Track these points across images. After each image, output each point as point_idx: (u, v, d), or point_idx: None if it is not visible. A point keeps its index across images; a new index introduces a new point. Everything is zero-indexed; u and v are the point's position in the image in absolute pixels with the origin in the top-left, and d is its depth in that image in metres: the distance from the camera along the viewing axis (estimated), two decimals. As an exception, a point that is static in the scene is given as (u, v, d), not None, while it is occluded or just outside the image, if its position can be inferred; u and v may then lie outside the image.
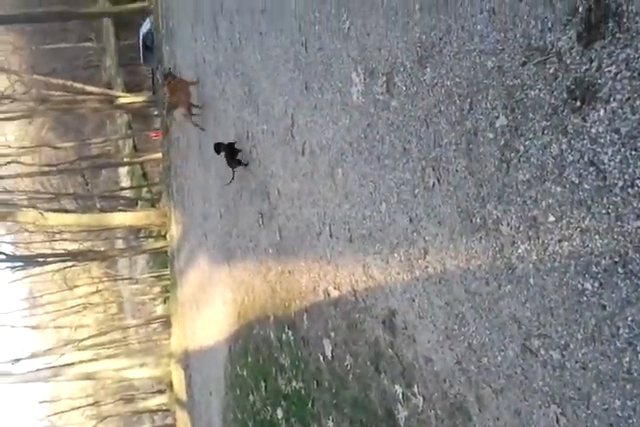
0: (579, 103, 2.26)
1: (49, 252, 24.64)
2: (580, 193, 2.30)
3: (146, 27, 21.36)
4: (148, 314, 38.36)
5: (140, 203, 33.87)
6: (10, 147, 24.77)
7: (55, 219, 18.61)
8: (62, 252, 24.68)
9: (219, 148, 8.68)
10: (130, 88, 33.63)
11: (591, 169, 2.23)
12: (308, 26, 5.24)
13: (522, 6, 2.56)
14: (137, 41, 22.72)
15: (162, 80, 13.26)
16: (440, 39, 3.24)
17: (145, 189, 35.90)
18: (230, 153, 8.51)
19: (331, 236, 5.46)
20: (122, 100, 22.25)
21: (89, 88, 21.26)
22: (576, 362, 2.47)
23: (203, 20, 10.25)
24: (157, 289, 35.20)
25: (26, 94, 20.76)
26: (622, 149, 2.07)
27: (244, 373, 10.26)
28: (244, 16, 7.38)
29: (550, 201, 2.49)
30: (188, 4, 11.91)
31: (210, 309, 13.50)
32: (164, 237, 23.87)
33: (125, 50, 33.74)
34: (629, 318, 2.12)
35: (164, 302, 33.37)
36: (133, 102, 22.45)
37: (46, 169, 23.93)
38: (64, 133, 33.50)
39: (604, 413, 2.35)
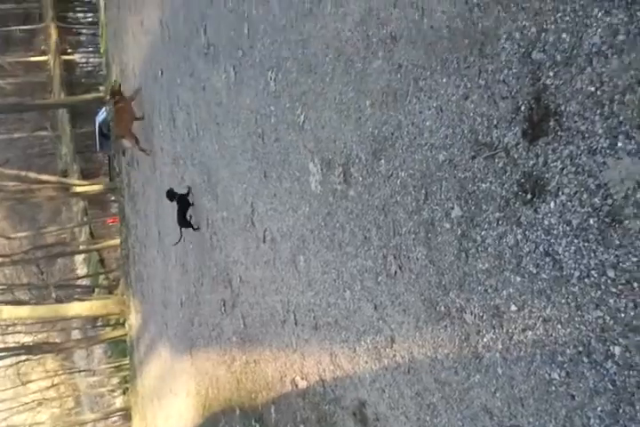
0: (529, 196, 2.35)
1: (0, 346, 23.61)
2: (539, 283, 2.35)
3: (102, 115, 21.69)
4: (107, 407, 36.70)
5: (97, 290, 33.15)
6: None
7: (9, 312, 17.99)
8: (15, 345, 23.69)
9: (172, 196, 8.68)
10: (86, 175, 33.68)
11: (547, 259, 2.29)
12: (264, 118, 5.40)
13: (467, 104, 2.70)
14: (93, 128, 22.98)
15: (109, 97, 13.34)
16: (392, 133, 3.37)
17: (102, 277, 35.24)
18: (182, 207, 8.55)
19: (296, 323, 5.40)
20: (78, 189, 22.17)
21: (44, 177, 21.17)
22: (551, 455, 2.44)
23: (160, 110, 10.46)
24: (116, 380, 33.90)
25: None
26: (575, 241, 2.14)
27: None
28: (201, 108, 7.57)
29: (511, 290, 2.53)
30: (144, 97, 12.17)
31: (173, 401, 13.00)
32: (123, 324, 23.25)
33: (81, 137, 34.03)
34: (599, 409, 2.12)
35: (124, 393, 32.09)
36: (90, 191, 22.38)
37: (-1, 260, 23.37)
38: (18, 222, 33.00)
39: None
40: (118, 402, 35.65)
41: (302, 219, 4.91)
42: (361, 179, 3.82)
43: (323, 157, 4.34)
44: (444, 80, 2.85)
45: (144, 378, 18.64)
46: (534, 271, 2.37)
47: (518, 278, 2.48)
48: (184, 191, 8.71)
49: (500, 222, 2.55)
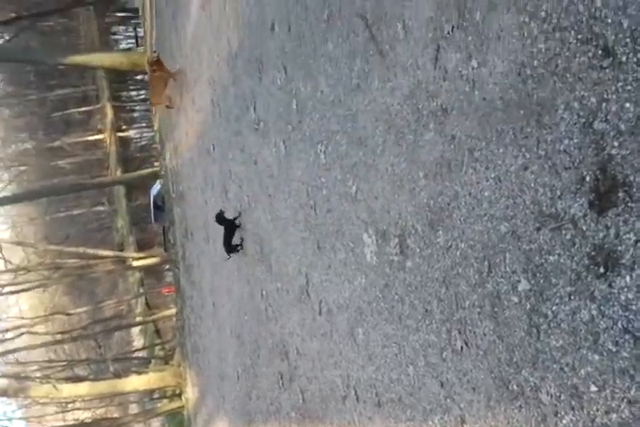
0: (602, 269, 2.23)
1: (61, 424, 23.61)
2: (620, 362, 2.20)
3: (156, 187, 22.36)
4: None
5: (153, 361, 33.16)
6: (23, 318, 24.78)
7: (69, 390, 18.07)
8: (74, 423, 23.66)
9: (221, 220, 8.71)
10: (141, 245, 34.40)
11: (627, 337, 2.15)
12: (316, 190, 5.42)
13: (527, 175, 2.64)
14: (148, 201, 23.66)
15: (148, 66, 13.82)
16: (448, 204, 3.31)
17: (158, 347, 35.31)
18: (230, 231, 8.67)
19: (357, 400, 5.22)
20: (136, 263, 22.60)
21: (102, 252, 21.70)
22: None
23: (212, 184, 10.69)
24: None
25: (40, 265, 21.17)
26: (659, 316, 2.01)
27: None
28: (253, 181, 7.69)
29: (589, 369, 2.37)
30: (197, 171, 12.51)
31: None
32: (180, 396, 23.06)
33: (136, 210, 35.04)
34: None
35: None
36: (146, 264, 22.79)
37: (59, 337, 23.71)
38: (77, 297, 33.70)
39: None
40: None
41: (359, 290, 4.82)
42: (418, 250, 3.74)
43: (377, 227, 4.29)
44: (501, 151, 2.80)
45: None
46: (614, 349, 2.22)
47: (597, 357, 2.32)
48: (234, 216, 8.85)
49: (573, 297, 2.42)
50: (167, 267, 26.06)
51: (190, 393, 19.32)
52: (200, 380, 16.90)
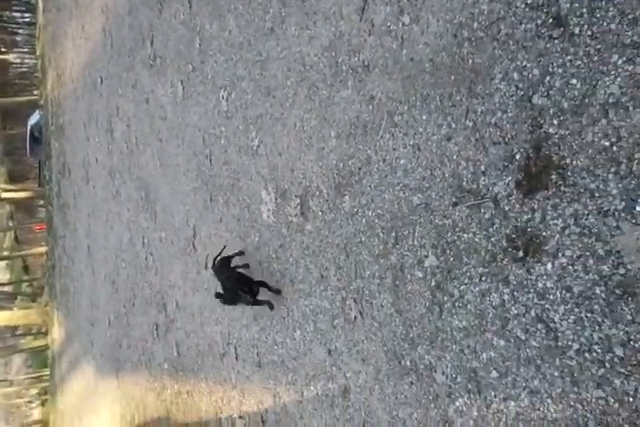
0: (521, 253, 2.12)
1: None
2: (527, 350, 2.12)
3: (34, 118, 20.79)
4: (23, 418, 35.18)
5: (19, 297, 31.80)
6: None
7: None
8: None
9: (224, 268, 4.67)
10: (14, 177, 32.32)
11: (540, 326, 2.06)
12: (213, 138, 5.06)
13: (450, 146, 2.47)
14: (25, 131, 22.01)
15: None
16: (359, 169, 3.11)
17: (25, 284, 33.83)
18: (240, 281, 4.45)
19: (237, 358, 5.05)
20: (4, 195, 21.09)
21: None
22: None
23: (97, 120, 9.94)
24: (35, 391, 32.44)
25: None
26: (576, 310, 1.92)
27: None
28: (143, 121, 7.16)
29: (492, 354, 2.29)
30: (80, 104, 11.60)
31: (95, 422, 12.29)
32: (45, 334, 22.23)
33: (10, 139, 32.75)
34: None
35: (42, 404, 30.78)
36: (17, 197, 21.35)
37: None
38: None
39: None
40: (36, 414, 34.21)
41: (250, 249, 4.59)
42: (320, 213, 3.54)
43: (278, 185, 4.04)
44: (424, 117, 2.61)
45: (65, 395, 17.71)
46: (523, 337, 2.14)
47: (502, 342, 2.24)
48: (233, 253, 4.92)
49: (484, 279, 2.31)
50: (41, 203, 24.58)
51: (57, 334, 18.55)
52: (68, 322, 16.20)
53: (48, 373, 23.23)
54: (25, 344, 26.28)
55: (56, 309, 19.03)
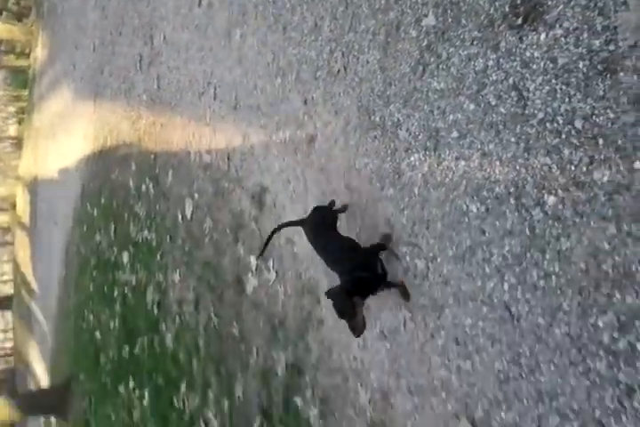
0: (520, 21, 2.11)
1: None
2: (494, 116, 2.23)
3: None
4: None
5: (4, 13, 30.46)
6: None
7: None
8: None
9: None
10: None
11: (513, 93, 2.14)
12: None
13: None
14: None
15: None
16: None
17: (12, 1, 32.18)
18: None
19: (215, 98, 5.14)
20: None
21: None
22: (439, 275, 2.53)
23: None
24: (12, 109, 32.78)
25: None
26: (553, 81, 1.98)
27: (95, 212, 9.98)
28: None
29: (459, 116, 2.40)
30: None
31: (68, 140, 12.73)
32: (28, 55, 21.85)
33: None
34: (506, 248, 2.16)
35: (19, 123, 31.37)
36: None
37: None
38: None
39: (452, 327, 2.46)
40: (12, 130, 35.01)
41: None
42: (332, -44, 3.36)
43: None
44: None
45: (42, 113, 18.02)
46: (493, 103, 2.23)
47: (472, 106, 2.33)
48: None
49: (475, 43, 2.32)
50: None
51: (39, 54, 18.22)
52: (52, 43, 15.84)
53: (27, 93, 23.28)
54: (6, 62, 25.82)
55: (41, 29, 18.42)
